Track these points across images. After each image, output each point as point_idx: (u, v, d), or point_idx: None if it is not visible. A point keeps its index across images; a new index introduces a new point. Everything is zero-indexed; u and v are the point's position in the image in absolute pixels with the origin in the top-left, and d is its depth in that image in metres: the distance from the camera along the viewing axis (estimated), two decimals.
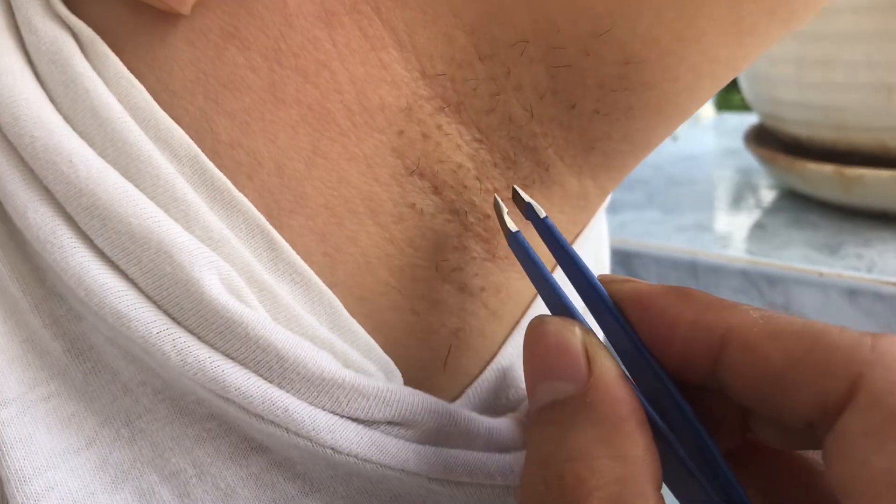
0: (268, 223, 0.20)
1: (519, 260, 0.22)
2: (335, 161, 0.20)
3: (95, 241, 0.19)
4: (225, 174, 0.20)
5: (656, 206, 0.71)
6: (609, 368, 0.18)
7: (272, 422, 0.19)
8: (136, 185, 0.19)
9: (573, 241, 0.26)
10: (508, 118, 0.22)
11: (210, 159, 0.20)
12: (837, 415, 0.16)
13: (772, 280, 0.55)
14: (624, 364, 0.20)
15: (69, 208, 0.19)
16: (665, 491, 0.20)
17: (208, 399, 0.19)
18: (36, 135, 0.19)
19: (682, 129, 0.97)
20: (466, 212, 0.22)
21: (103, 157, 0.19)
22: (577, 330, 0.19)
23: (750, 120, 0.90)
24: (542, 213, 0.21)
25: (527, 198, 0.22)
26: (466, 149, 0.22)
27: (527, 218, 0.22)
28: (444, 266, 0.23)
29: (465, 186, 0.22)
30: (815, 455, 0.21)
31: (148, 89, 0.20)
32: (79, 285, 0.19)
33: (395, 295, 0.22)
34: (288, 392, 0.19)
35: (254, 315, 0.19)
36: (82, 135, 0.20)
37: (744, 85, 0.72)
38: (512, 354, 0.25)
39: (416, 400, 0.21)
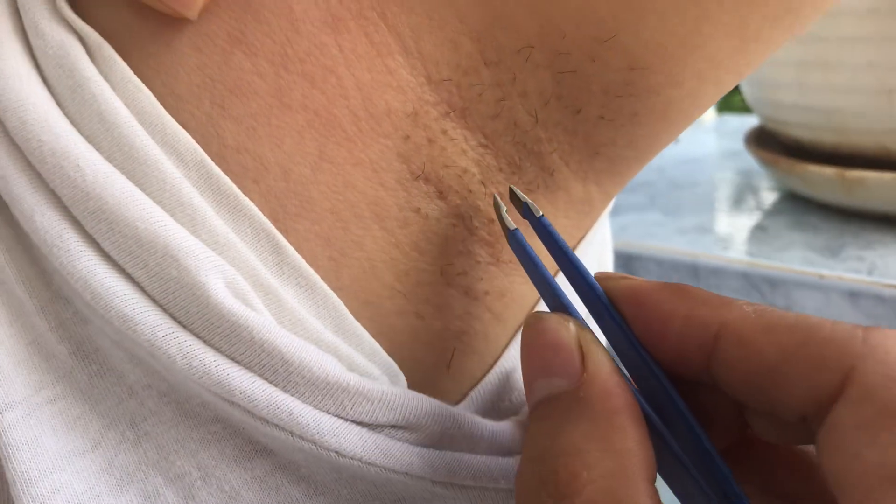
0: (273, 227, 0.20)
1: (517, 257, 0.22)
2: (341, 166, 0.21)
3: (102, 245, 0.19)
4: (231, 179, 0.20)
5: (658, 208, 0.71)
6: (603, 364, 0.19)
7: (277, 425, 0.19)
8: (143, 190, 0.19)
9: (577, 245, 0.27)
10: (514, 123, 0.22)
11: (216, 164, 0.20)
12: (830, 408, 0.16)
13: (773, 282, 0.55)
14: (621, 360, 0.20)
15: (76, 212, 0.19)
16: (664, 487, 0.20)
17: (213, 402, 0.19)
18: (43, 139, 0.19)
19: (684, 131, 0.97)
20: (471, 216, 0.22)
21: (110, 162, 0.19)
22: (572, 326, 0.19)
23: (751, 121, 0.90)
24: (539, 212, 0.21)
25: (523, 197, 0.22)
26: (472, 154, 0.22)
27: (524, 217, 0.22)
28: (449, 270, 0.23)
29: (470, 191, 0.22)
30: (812, 449, 0.21)
31: (154, 94, 0.20)
32: (85, 288, 0.19)
33: (400, 299, 0.22)
34: (292, 395, 0.19)
35: (259, 319, 0.19)
36: (89, 139, 0.20)
37: (745, 87, 0.72)
38: (515, 358, 0.25)
39: (419, 403, 0.21)
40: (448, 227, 0.22)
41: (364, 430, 0.20)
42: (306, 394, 0.19)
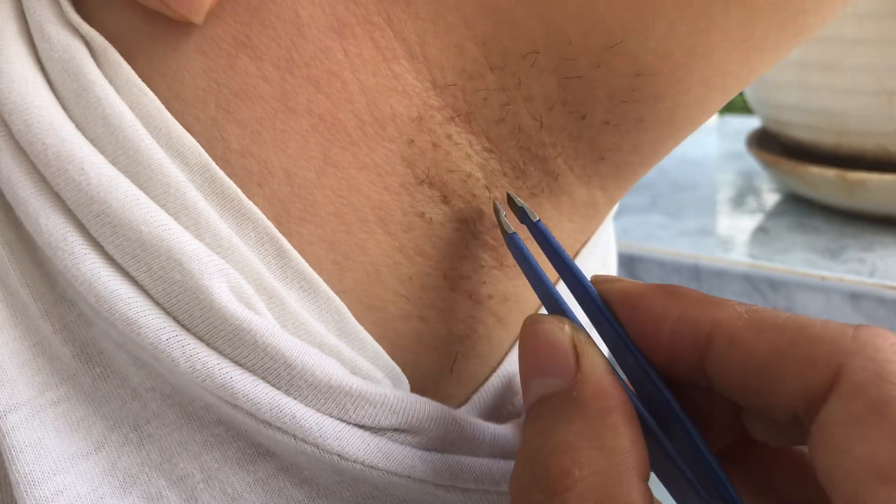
0: (277, 231, 0.20)
1: (516, 260, 0.22)
2: (345, 170, 0.21)
3: (106, 248, 0.19)
4: (235, 182, 0.20)
5: (660, 209, 0.71)
6: (597, 364, 0.19)
7: (280, 428, 0.19)
8: (147, 193, 0.19)
9: (581, 249, 0.27)
10: (518, 128, 0.22)
11: (221, 168, 0.20)
12: (821, 405, 0.17)
13: (774, 284, 0.55)
14: (618, 364, 0.21)
15: (80, 215, 0.19)
16: (663, 489, 0.20)
17: (216, 405, 0.20)
18: (48, 142, 0.19)
19: None
20: (475, 220, 0.23)
21: (114, 165, 0.19)
22: (567, 327, 0.20)
23: (752, 122, 0.90)
24: (535, 217, 0.22)
25: (520, 202, 0.22)
26: (476, 158, 0.22)
27: (521, 222, 0.22)
28: (453, 274, 0.23)
29: (475, 195, 0.22)
30: (808, 450, 0.21)
31: (160, 98, 0.20)
32: (89, 291, 0.19)
33: (404, 303, 0.22)
34: (295, 399, 0.19)
35: (262, 322, 0.19)
36: (94, 142, 0.20)
37: (747, 89, 0.72)
38: (517, 361, 0.25)
39: (422, 407, 0.21)
40: (452, 232, 0.22)
41: (366, 434, 0.20)
42: (309, 397, 0.19)
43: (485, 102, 0.21)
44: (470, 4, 0.20)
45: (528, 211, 0.22)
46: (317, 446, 0.19)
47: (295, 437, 0.19)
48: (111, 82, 0.20)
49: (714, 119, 1.09)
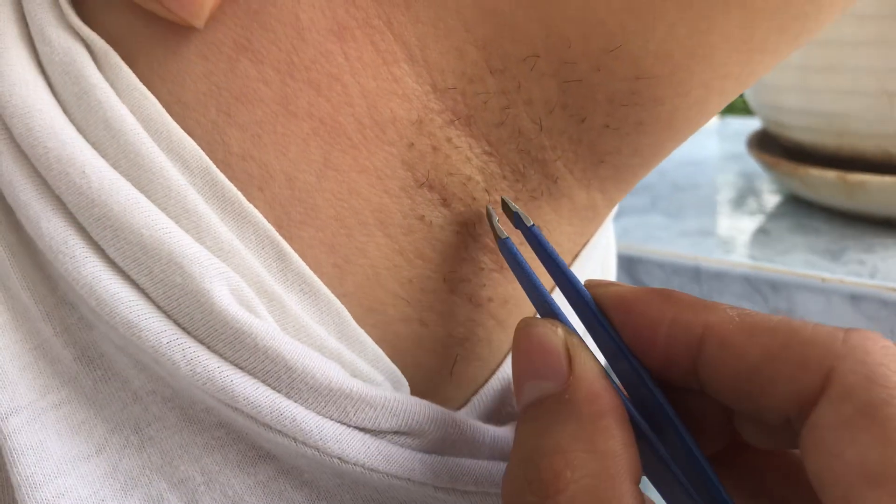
0: (278, 234, 0.20)
1: (509, 265, 0.22)
2: (346, 173, 0.21)
3: (107, 252, 0.19)
4: (236, 186, 0.20)
5: (660, 210, 0.71)
6: (589, 367, 0.19)
7: (280, 431, 0.19)
8: (148, 197, 0.19)
9: (581, 251, 0.27)
10: (518, 131, 0.22)
11: (221, 171, 0.20)
12: (812, 408, 0.17)
13: (775, 285, 0.55)
14: (612, 369, 0.21)
15: (81, 218, 0.19)
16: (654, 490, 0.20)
17: (217, 408, 0.20)
18: (49, 146, 0.19)
19: None
20: (475, 223, 0.23)
21: (115, 169, 0.19)
22: (560, 330, 0.20)
23: (752, 123, 0.90)
24: (529, 222, 0.22)
25: (514, 207, 0.22)
26: (476, 161, 0.22)
27: (516, 227, 0.22)
28: (453, 277, 0.23)
29: (474, 198, 0.22)
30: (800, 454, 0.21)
31: (160, 101, 0.20)
32: (90, 295, 0.19)
33: (404, 306, 0.22)
34: (296, 402, 0.19)
35: (263, 325, 0.19)
36: (95, 146, 0.20)
37: (747, 91, 0.72)
38: None
39: (422, 409, 0.21)
40: (452, 235, 0.22)
41: (367, 436, 0.20)
42: (309, 400, 0.19)
43: (485, 106, 0.21)
44: (470, 8, 0.20)
45: (522, 216, 0.22)
46: (317, 449, 0.19)
47: (295, 439, 0.19)
48: (112, 86, 0.20)
49: (714, 120, 1.09)
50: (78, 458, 0.19)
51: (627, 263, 0.62)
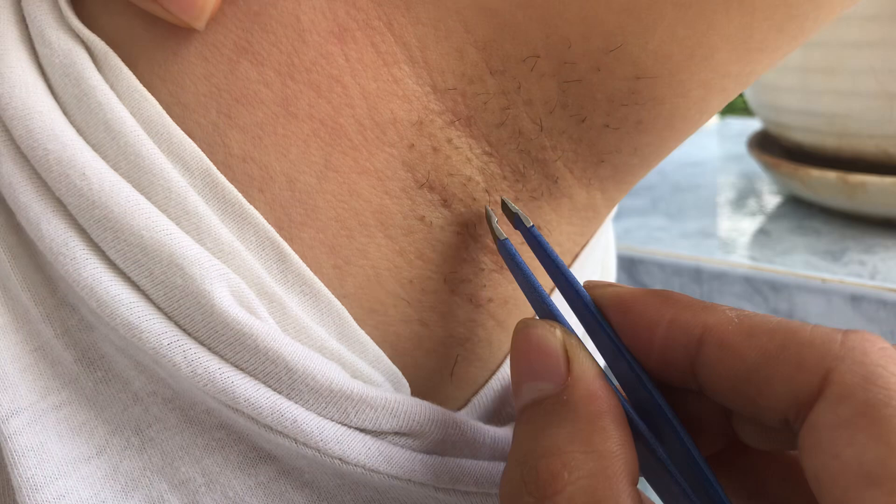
0: (278, 236, 0.20)
1: (507, 266, 0.22)
2: (346, 175, 0.21)
3: (107, 253, 0.19)
4: (236, 187, 0.20)
5: (660, 212, 0.71)
6: (587, 368, 0.19)
7: (281, 432, 0.19)
8: (149, 198, 0.19)
9: (581, 251, 0.27)
10: (518, 132, 0.22)
11: (222, 172, 0.20)
12: (810, 409, 0.17)
13: (775, 286, 0.55)
14: (612, 370, 0.21)
15: (82, 220, 0.19)
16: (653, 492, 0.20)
17: (218, 409, 0.20)
18: (49, 147, 0.19)
19: None
20: (475, 224, 0.23)
21: (116, 170, 0.19)
22: (558, 331, 0.20)
23: (753, 124, 0.90)
24: (529, 223, 0.22)
25: (514, 208, 0.22)
26: (476, 162, 0.22)
27: (516, 228, 0.22)
28: (453, 278, 0.23)
29: (475, 199, 0.22)
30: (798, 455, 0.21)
31: (161, 103, 0.20)
32: (91, 296, 0.19)
33: (405, 307, 0.22)
34: (297, 403, 0.19)
35: (263, 327, 0.19)
36: (95, 147, 0.20)
37: (747, 91, 0.72)
38: None
39: (422, 410, 0.21)
40: (452, 236, 0.22)
41: (367, 437, 0.20)
42: (310, 401, 0.19)
43: (485, 106, 0.21)
44: (470, 9, 0.20)
45: (521, 217, 0.22)
46: (318, 450, 0.19)
47: (296, 440, 0.19)
48: (112, 87, 0.20)
49: (715, 121, 1.09)
50: (79, 459, 0.19)
51: (628, 264, 0.62)
